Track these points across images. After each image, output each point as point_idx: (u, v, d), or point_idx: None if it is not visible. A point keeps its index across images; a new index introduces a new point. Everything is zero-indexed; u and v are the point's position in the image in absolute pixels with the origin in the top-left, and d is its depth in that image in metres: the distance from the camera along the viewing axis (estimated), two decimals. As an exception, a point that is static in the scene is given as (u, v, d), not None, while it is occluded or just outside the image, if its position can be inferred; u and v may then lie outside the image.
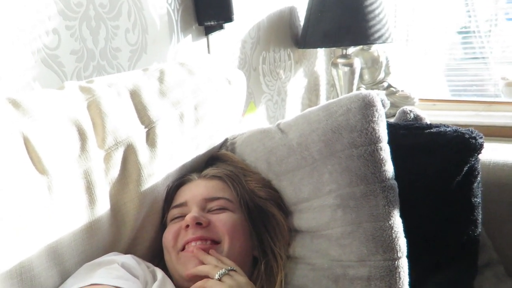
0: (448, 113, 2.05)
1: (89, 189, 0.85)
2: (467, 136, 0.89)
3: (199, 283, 0.80)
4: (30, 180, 0.78)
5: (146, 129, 0.94)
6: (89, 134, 0.87)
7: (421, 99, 2.18)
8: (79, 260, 0.84)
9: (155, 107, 0.96)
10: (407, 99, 2.08)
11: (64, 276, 0.81)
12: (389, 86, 2.17)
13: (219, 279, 0.79)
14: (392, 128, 0.89)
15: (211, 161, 1.06)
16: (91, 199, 0.85)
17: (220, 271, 0.79)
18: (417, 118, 1.03)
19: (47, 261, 0.78)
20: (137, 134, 0.92)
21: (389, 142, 0.85)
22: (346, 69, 1.97)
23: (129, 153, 0.91)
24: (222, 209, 0.92)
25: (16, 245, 0.74)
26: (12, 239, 0.73)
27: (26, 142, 0.80)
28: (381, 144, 0.83)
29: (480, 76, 2.27)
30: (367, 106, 0.84)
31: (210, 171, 0.99)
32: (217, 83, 1.10)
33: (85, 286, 0.73)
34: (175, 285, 0.85)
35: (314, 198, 0.89)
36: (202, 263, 0.83)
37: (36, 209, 0.77)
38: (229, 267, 0.81)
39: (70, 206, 0.83)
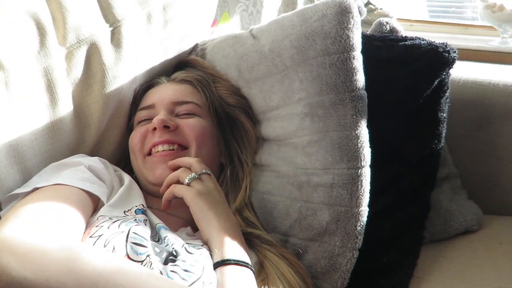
0: (424, 35, 2.01)
1: (50, 88, 0.82)
2: (440, 49, 0.88)
3: (168, 188, 0.79)
4: (-16, 73, 0.74)
5: (111, 28, 0.89)
6: (49, 30, 0.82)
7: (398, 19, 2.12)
8: (41, 159, 0.82)
9: (121, 5, 0.90)
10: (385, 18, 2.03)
11: (26, 175, 0.80)
12: (368, 2, 2.10)
13: (188, 184, 0.78)
14: (366, 40, 0.87)
15: (180, 66, 1.02)
16: (53, 98, 0.82)
17: (190, 175, 0.78)
18: (393, 30, 1.01)
19: (7, 158, 0.76)
20: (101, 33, 0.87)
21: (363, 53, 0.83)
22: (326, -18, 1.88)
23: (93, 52, 0.86)
24: (191, 114, 0.90)
25: (-28, 140, 0.71)
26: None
27: (-21, 33, 0.75)
28: (354, 53, 0.81)
29: (460, -2, 2.22)
30: (343, 12, 0.81)
31: (179, 74, 0.96)
32: (188, -17, 1.04)
33: (50, 185, 0.72)
34: (141, 189, 0.86)
35: (283, 106, 0.88)
36: (169, 168, 0.83)
37: (-8, 104, 0.74)
38: (202, 170, 0.80)
39: (30, 104, 0.80)
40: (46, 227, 0.60)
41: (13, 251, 0.53)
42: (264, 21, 1.93)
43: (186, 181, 0.78)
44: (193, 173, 0.79)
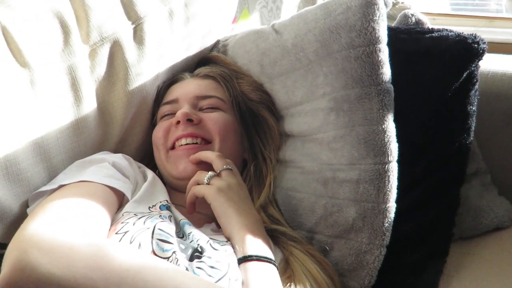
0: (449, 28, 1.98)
1: (74, 86, 0.82)
2: (469, 40, 0.85)
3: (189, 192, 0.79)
4: (11, 72, 0.74)
5: (133, 25, 0.89)
6: (72, 28, 0.82)
7: (421, 13, 2.10)
8: (66, 157, 0.83)
9: (143, 2, 0.90)
10: (407, 12, 2.00)
11: (52, 173, 0.81)
12: (390, -4, 2.07)
13: (208, 183, 0.78)
14: (392, 32, 0.84)
15: (202, 63, 1.02)
16: (77, 96, 0.83)
17: (208, 175, 0.78)
18: (418, 22, 0.98)
19: (33, 156, 0.77)
20: (123, 30, 0.88)
21: (388, 46, 0.81)
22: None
23: (116, 50, 0.87)
24: (214, 108, 0.89)
25: (-1, 137, 0.72)
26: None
27: (4, 31, 0.75)
28: (380, 45, 0.79)
29: (483, -10, 2.17)
30: (368, 4, 0.79)
31: (203, 70, 0.96)
32: (209, -21, 1.03)
33: (74, 182, 0.72)
34: (164, 184, 0.85)
35: (307, 101, 0.86)
36: (191, 162, 0.82)
37: (19, 103, 0.74)
38: (223, 166, 0.79)
39: (55, 103, 0.80)
40: (72, 223, 0.60)
41: (41, 247, 0.53)
42: (284, 17, 1.92)
43: (205, 181, 0.78)
44: (209, 172, 0.79)
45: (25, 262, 0.51)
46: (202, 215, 0.81)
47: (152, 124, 0.95)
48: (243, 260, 0.69)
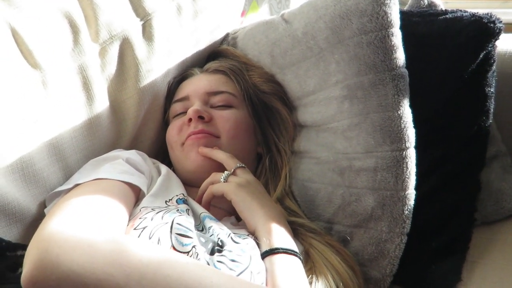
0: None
1: (86, 85, 0.82)
2: (485, 20, 0.82)
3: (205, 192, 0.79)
4: (22, 73, 0.75)
5: (142, 22, 0.89)
6: (81, 27, 0.82)
7: (432, -4, 2.06)
8: (81, 156, 0.83)
9: (150, -2, 0.90)
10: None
11: (67, 172, 0.81)
12: (400, -19, 2.03)
13: (225, 181, 0.78)
14: (404, 16, 0.82)
15: (212, 57, 1.01)
16: (89, 95, 0.83)
17: (224, 174, 0.78)
18: (431, 4, 0.96)
19: (49, 157, 0.77)
20: (132, 27, 0.87)
21: (401, 30, 0.79)
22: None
23: (125, 47, 0.86)
24: (226, 106, 0.89)
25: (14, 140, 0.72)
26: (9, 133, 0.71)
27: (15, 34, 0.76)
28: (392, 30, 0.77)
29: (497, -30, 2.12)
30: (379, -12, 0.77)
31: (212, 64, 0.95)
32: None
33: (90, 181, 0.72)
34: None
35: (319, 90, 0.85)
36: (200, 154, 0.82)
37: (32, 104, 0.75)
38: (237, 165, 0.80)
39: (68, 103, 0.80)
40: (91, 220, 0.60)
41: (61, 245, 0.53)
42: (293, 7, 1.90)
43: (222, 179, 0.78)
44: (225, 171, 0.79)
45: (47, 260, 0.51)
46: (219, 209, 0.81)
47: (164, 120, 0.95)
48: (269, 252, 0.68)
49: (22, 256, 0.64)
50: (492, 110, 0.88)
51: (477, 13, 0.85)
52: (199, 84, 0.90)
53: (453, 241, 0.84)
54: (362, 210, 0.79)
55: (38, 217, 0.75)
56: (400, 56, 0.78)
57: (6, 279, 0.59)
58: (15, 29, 0.75)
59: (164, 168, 0.83)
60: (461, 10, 0.88)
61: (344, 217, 0.81)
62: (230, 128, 0.86)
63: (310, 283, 0.69)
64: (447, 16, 0.87)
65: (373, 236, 0.78)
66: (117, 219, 0.64)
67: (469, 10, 0.89)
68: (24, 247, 0.66)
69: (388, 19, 0.77)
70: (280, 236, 0.71)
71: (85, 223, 0.58)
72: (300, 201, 0.87)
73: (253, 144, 0.91)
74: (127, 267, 0.52)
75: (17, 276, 0.60)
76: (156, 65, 0.90)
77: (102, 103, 0.85)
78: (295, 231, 0.79)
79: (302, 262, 0.70)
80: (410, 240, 0.78)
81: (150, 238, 0.63)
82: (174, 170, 0.88)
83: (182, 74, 0.95)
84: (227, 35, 1.05)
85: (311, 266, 0.72)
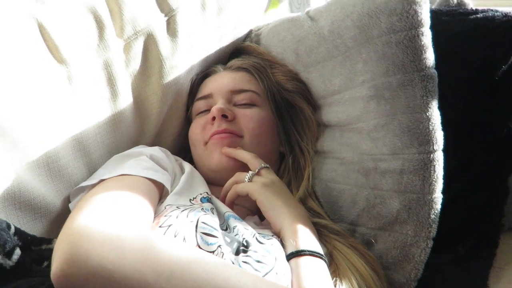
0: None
1: (110, 80, 0.82)
2: (518, 20, 0.80)
3: (229, 192, 0.79)
4: (49, 69, 0.75)
5: (166, 18, 0.88)
6: (107, 22, 0.82)
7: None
8: (105, 152, 0.83)
9: (175, -6, 0.89)
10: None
11: (91, 168, 0.81)
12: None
13: (250, 181, 0.77)
14: (433, 15, 0.80)
15: (235, 53, 1.00)
16: (113, 91, 0.83)
17: (248, 174, 0.78)
18: (461, 3, 0.93)
19: (73, 152, 0.77)
20: (157, 23, 0.87)
21: (430, 29, 0.77)
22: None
23: (150, 43, 0.86)
24: (250, 104, 0.88)
25: (39, 135, 0.72)
26: (34, 129, 0.72)
27: (41, 29, 0.76)
28: (422, 29, 0.75)
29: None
30: (409, -14, 0.75)
31: (235, 62, 0.94)
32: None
33: (114, 176, 0.72)
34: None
35: (345, 90, 0.84)
36: (223, 154, 0.82)
37: (58, 99, 0.75)
38: (261, 165, 0.79)
39: (92, 98, 0.80)
40: (118, 215, 0.59)
41: (91, 240, 0.52)
42: (313, 5, 1.88)
43: (246, 179, 0.77)
44: (250, 171, 0.78)
45: (77, 255, 0.51)
46: (242, 208, 0.80)
47: (187, 117, 0.94)
48: (296, 254, 0.68)
49: (47, 250, 0.64)
50: (522, 112, 0.86)
51: (510, 12, 0.83)
52: (222, 82, 0.90)
53: (479, 246, 0.82)
54: (387, 213, 0.78)
55: (63, 212, 0.75)
56: (430, 57, 0.76)
57: (32, 272, 0.59)
58: (42, 24, 0.75)
59: (187, 166, 0.83)
60: (492, 10, 0.85)
61: (368, 219, 0.80)
62: (253, 127, 0.85)
63: (334, 285, 0.68)
64: (478, 15, 0.85)
65: (398, 240, 0.77)
66: (143, 215, 0.64)
67: (501, 9, 0.87)
68: (49, 241, 0.66)
69: (419, 18, 0.75)
70: (306, 238, 0.70)
71: (113, 219, 0.57)
72: (323, 202, 0.86)
73: (276, 143, 0.90)
74: (157, 264, 0.52)
75: (43, 270, 0.60)
76: (180, 61, 0.90)
77: (126, 99, 0.85)
78: (318, 232, 0.77)
79: (327, 264, 0.69)
80: (436, 244, 0.76)
81: (175, 236, 0.62)
82: (196, 167, 0.88)
83: (205, 71, 0.95)
84: (250, 31, 1.04)
85: (334, 269, 0.71)
